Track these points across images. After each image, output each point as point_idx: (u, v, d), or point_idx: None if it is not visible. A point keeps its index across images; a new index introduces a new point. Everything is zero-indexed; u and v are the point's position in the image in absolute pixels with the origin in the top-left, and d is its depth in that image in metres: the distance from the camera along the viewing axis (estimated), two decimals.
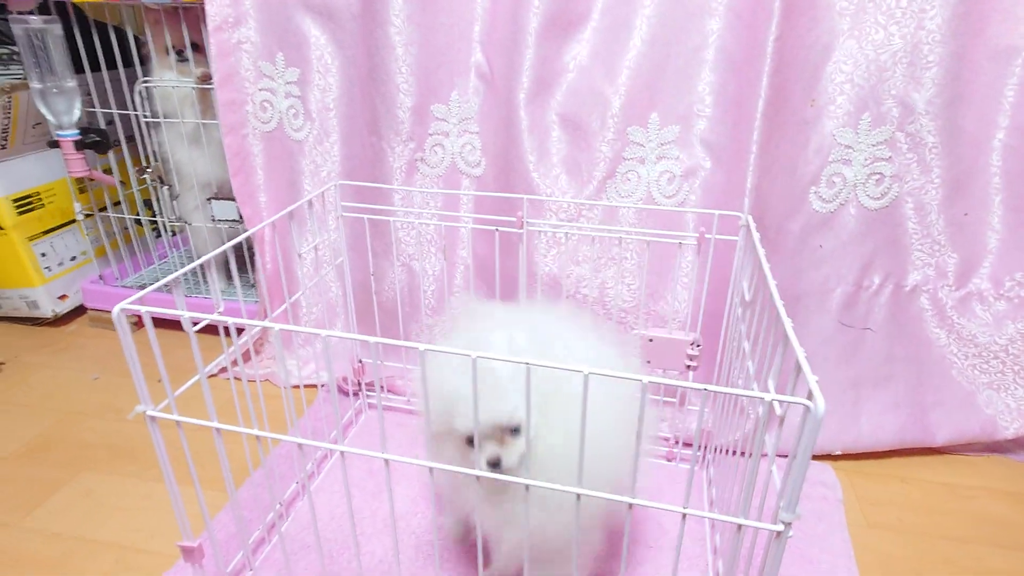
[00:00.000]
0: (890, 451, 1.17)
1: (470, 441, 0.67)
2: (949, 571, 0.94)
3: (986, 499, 1.08)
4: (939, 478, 1.13)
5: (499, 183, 1.17)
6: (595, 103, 1.07)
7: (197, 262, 0.78)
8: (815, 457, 1.12)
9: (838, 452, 1.15)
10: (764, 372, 0.70)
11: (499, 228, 1.03)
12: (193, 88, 1.35)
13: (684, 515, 0.59)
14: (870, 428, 1.16)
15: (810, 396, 0.52)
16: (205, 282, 1.58)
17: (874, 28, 0.97)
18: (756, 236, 0.84)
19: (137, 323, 1.58)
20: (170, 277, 0.72)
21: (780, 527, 0.55)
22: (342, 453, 0.66)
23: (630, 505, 0.60)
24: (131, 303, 0.66)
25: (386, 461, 0.64)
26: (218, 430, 0.69)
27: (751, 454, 0.63)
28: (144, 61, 1.39)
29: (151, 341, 0.68)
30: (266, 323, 0.67)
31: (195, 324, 0.70)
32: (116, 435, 1.22)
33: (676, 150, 1.07)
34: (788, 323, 0.62)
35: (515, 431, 0.68)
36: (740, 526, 0.57)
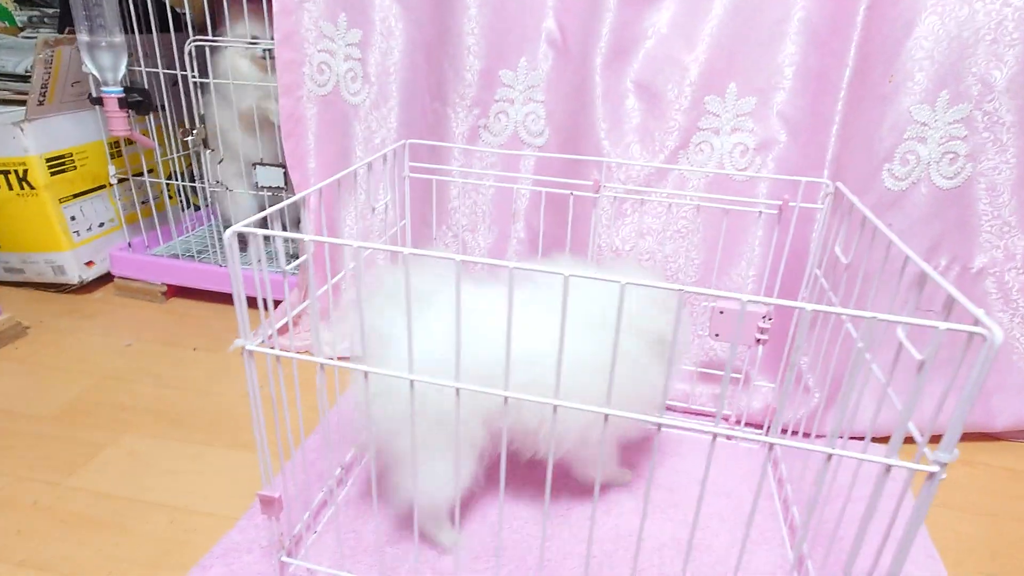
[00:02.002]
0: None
1: None
2: None
3: None
4: (1002, 463, 1.12)
5: (564, 154, 1.15)
6: (672, 71, 1.06)
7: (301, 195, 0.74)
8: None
9: None
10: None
11: (574, 192, 1.01)
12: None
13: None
14: (930, 411, 1.15)
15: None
16: (240, 252, 1.54)
17: (958, 4, 0.97)
18: (854, 199, 0.83)
19: (166, 292, 1.53)
20: (273, 208, 0.69)
21: (935, 467, 0.54)
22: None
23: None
24: (245, 226, 0.63)
25: (457, 391, 0.62)
26: (322, 366, 0.66)
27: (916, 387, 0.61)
28: (195, 25, 1.36)
29: (256, 264, 0.64)
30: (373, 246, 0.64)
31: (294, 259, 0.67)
32: (157, 400, 1.18)
33: (751, 122, 1.06)
34: (926, 267, 0.61)
35: None
36: (889, 467, 0.55)
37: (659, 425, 0.61)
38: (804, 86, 1.03)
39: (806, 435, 1.08)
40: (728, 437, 1.10)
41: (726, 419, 1.14)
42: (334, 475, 0.94)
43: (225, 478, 0.99)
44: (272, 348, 0.67)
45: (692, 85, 1.06)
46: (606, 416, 0.61)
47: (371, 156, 1.16)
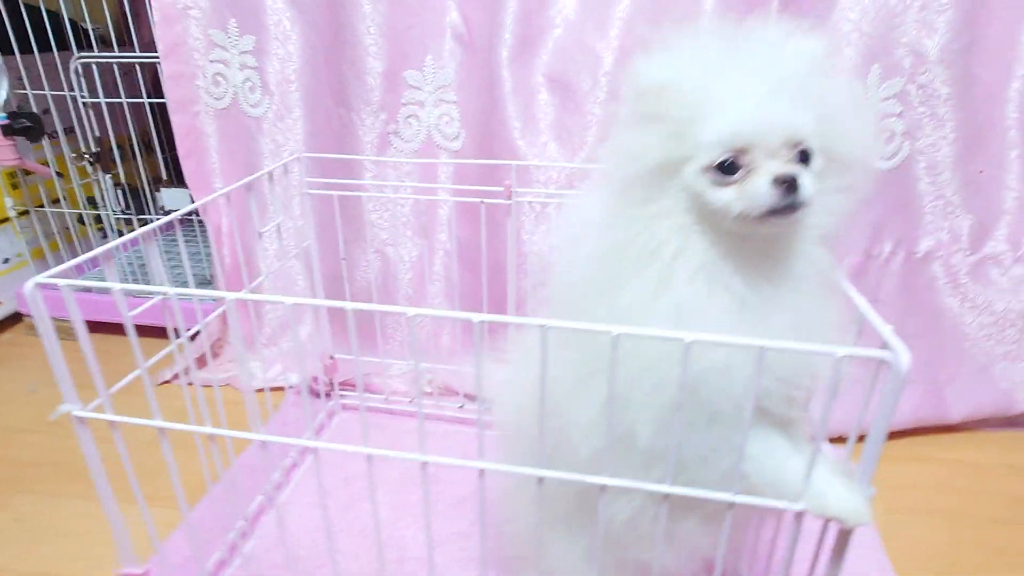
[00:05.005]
0: (904, 431, 1.10)
1: (726, 170, 0.44)
2: (990, 555, 0.87)
3: (1012, 477, 1.01)
4: (959, 456, 1.06)
5: (481, 157, 1.07)
6: (585, 61, 0.98)
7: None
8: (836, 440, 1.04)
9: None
10: None
11: (484, 200, 0.93)
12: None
13: (730, 505, 0.49)
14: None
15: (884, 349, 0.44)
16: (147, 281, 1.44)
17: None
18: None
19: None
20: (103, 248, 0.60)
21: None
22: (316, 451, 0.55)
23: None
24: (48, 277, 0.54)
25: (369, 457, 0.54)
26: (162, 430, 0.57)
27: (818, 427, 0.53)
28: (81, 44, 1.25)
29: (76, 326, 0.56)
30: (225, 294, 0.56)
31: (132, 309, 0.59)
32: (59, 452, 1.08)
33: None
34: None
35: (806, 158, 0.45)
36: (798, 513, 0.48)
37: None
38: None
39: None
40: None
41: None
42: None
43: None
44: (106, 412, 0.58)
45: (608, 75, 0.98)
46: (540, 479, 0.50)
47: (278, 162, 1.07)
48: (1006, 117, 0.96)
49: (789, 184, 0.42)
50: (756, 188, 0.43)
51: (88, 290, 1.43)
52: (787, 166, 0.43)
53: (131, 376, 0.64)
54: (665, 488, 0.49)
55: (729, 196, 0.44)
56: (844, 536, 0.48)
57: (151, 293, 0.58)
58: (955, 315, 1.08)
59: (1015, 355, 1.08)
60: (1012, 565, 0.86)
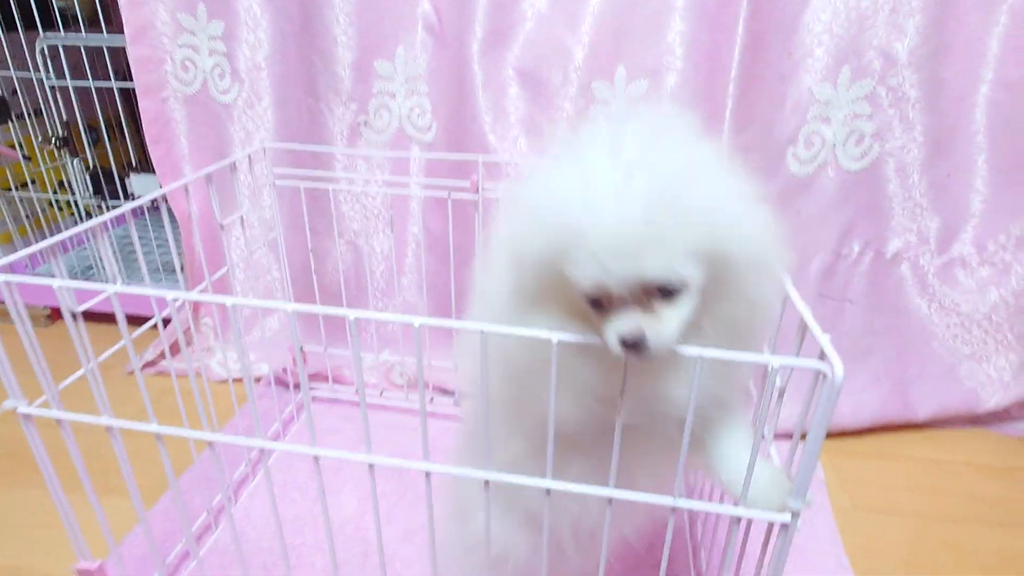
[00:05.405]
0: (870, 428, 1.11)
1: (596, 304, 0.43)
2: (945, 553, 0.88)
3: (973, 475, 1.03)
4: (923, 454, 1.07)
5: (452, 150, 1.06)
6: (556, 55, 0.97)
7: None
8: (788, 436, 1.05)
9: None
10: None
11: (452, 193, 0.93)
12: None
13: (673, 509, 0.49)
14: (850, 405, 1.10)
15: (823, 358, 0.44)
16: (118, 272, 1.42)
17: None
18: None
19: (51, 315, 1.41)
20: (46, 243, 0.59)
21: (787, 517, 0.47)
22: (262, 451, 0.55)
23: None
24: None
25: (316, 458, 0.53)
26: (111, 428, 0.57)
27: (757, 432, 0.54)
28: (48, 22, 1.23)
29: (17, 322, 0.55)
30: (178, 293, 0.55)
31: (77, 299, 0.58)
32: (20, 441, 1.07)
33: (644, 108, 0.98)
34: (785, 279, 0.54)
35: (669, 293, 0.42)
36: (739, 519, 0.48)
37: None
38: (696, 68, 0.95)
39: None
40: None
41: None
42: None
43: (84, 531, 0.89)
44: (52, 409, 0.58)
45: (578, 70, 0.97)
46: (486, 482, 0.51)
47: (243, 152, 1.05)
48: (973, 121, 0.96)
49: (636, 343, 0.41)
50: (607, 340, 0.42)
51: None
52: (634, 321, 0.41)
53: (76, 375, 0.63)
54: (608, 492, 0.49)
55: (601, 324, 0.43)
56: (785, 532, 0.48)
57: (96, 290, 0.57)
58: (923, 315, 1.09)
59: (980, 355, 1.10)
60: (966, 564, 0.87)
